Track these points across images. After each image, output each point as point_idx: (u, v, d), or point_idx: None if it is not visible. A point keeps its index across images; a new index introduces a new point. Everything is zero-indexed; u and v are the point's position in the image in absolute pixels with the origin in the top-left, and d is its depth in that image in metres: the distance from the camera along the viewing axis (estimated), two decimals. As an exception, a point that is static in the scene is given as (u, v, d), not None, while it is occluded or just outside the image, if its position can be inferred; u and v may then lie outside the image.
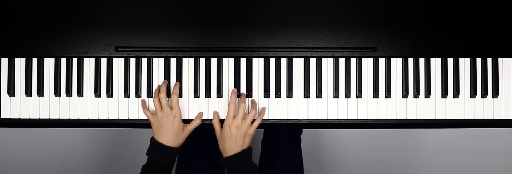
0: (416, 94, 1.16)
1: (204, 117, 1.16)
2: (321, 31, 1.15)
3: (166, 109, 1.10)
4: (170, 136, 1.09)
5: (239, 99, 1.14)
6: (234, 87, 1.16)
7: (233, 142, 1.09)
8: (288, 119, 1.16)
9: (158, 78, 1.16)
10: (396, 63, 1.17)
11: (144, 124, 1.16)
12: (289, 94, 1.16)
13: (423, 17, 1.15)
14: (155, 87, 1.16)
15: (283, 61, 1.16)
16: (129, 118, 1.16)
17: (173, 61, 1.16)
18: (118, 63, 1.16)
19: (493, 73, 1.17)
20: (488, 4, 1.15)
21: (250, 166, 1.10)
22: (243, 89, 1.16)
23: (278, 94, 1.16)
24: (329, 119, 1.16)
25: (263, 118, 1.15)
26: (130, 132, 1.93)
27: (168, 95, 1.14)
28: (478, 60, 1.18)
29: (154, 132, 1.11)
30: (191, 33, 1.14)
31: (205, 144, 1.36)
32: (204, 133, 1.37)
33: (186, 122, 1.14)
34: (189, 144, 1.36)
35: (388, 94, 1.16)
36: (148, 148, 1.10)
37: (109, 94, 1.16)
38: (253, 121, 1.13)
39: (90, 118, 1.16)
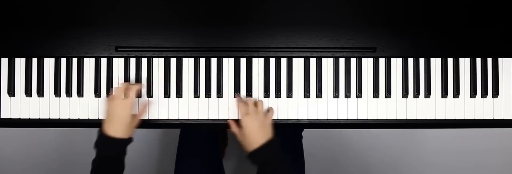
0: (416, 94, 1.16)
1: (202, 117, 1.16)
2: (321, 31, 1.15)
3: (118, 97, 1.07)
4: (119, 126, 1.04)
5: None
6: (234, 87, 1.16)
7: (255, 134, 1.06)
8: (288, 119, 1.16)
9: (158, 78, 1.16)
10: (396, 63, 1.17)
11: (145, 124, 1.16)
12: (289, 94, 1.16)
13: (423, 17, 1.15)
14: (155, 86, 1.16)
15: (283, 61, 1.16)
16: (129, 118, 1.16)
17: (173, 61, 1.16)
18: (118, 63, 1.16)
19: (493, 73, 1.17)
20: (488, 4, 1.15)
21: (280, 157, 1.05)
22: (243, 89, 1.16)
23: (278, 94, 1.16)
24: (329, 119, 1.16)
25: None
26: (130, 132, 1.93)
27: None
28: (478, 60, 1.18)
29: (104, 120, 1.06)
30: (191, 33, 1.15)
31: (204, 146, 1.36)
32: (204, 136, 1.37)
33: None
34: (188, 146, 1.37)
35: (388, 94, 1.16)
36: (95, 141, 1.05)
37: (109, 94, 1.16)
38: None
39: (90, 118, 1.16)
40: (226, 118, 1.15)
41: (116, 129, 1.04)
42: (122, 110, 1.06)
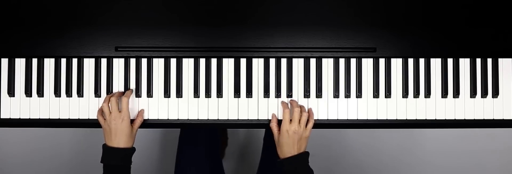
0: (416, 94, 1.16)
1: (202, 117, 1.16)
2: (321, 31, 1.15)
3: (115, 112, 1.09)
4: (121, 138, 1.09)
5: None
6: (234, 87, 1.16)
7: (291, 146, 1.08)
8: (288, 119, 1.16)
9: (158, 78, 1.16)
10: (396, 63, 1.17)
11: (145, 124, 1.16)
12: (289, 94, 1.16)
13: (423, 17, 1.15)
14: (155, 86, 1.16)
15: (283, 61, 1.16)
16: (129, 118, 1.16)
17: (173, 61, 1.16)
18: (118, 63, 1.16)
19: (493, 73, 1.17)
20: (488, 4, 1.15)
21: (306, 169, 1.09)
22: (243, 89, 1.16)
23: (278, 94, 1.16)
24: (329, 119, 1.16)
25: (267, 118, 1.15)
26: (130, 132, 1.93)
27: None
28: (478, 60, 1.18)
29: (106, 137, 1.11)
30: (191, 33, 1.15)
31: (203, 146, 1.36)
32: (204, 137, 1.36)
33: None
34: (188, 146, 1.37)
35: (388, 94, 1.16)
36: (102, 156, 1.09)
37: (109, 94, 1.16)
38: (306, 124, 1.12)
39: (90, 118, 1.16)
40: (226, 118, 1.16)
41: (119, 141, 1.08)
42: (122, 122, 1.09)
